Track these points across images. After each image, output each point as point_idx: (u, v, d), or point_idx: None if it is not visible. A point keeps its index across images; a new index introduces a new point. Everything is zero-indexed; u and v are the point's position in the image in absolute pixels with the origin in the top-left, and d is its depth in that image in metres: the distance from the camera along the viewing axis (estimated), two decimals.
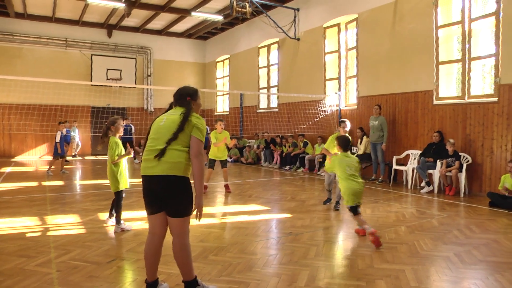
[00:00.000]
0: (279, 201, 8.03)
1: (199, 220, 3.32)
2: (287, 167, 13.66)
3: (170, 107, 3.63)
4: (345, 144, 5.71)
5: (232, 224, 6.09)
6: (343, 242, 5.21)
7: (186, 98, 3.51)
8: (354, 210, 5.26)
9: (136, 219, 6.33)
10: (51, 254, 4.56)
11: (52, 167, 12.37)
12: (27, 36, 17.43)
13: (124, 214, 6.16)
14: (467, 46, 9.05)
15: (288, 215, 6.67)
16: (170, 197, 3.27)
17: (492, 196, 7.58)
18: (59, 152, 12.12)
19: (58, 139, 12.20)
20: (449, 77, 9.81)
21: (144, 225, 5.93)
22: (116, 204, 5.70)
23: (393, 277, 3.89)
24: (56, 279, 3.82)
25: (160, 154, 3.25)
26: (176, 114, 3.42)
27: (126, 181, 5.75)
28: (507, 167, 7.82)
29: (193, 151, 3.29)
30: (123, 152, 5.68)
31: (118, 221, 5.68)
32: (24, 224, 5.98)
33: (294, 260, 4.41)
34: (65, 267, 4.13)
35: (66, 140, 15.37)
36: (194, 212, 3.33)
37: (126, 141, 14.02)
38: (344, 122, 7.41)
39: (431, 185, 9.08)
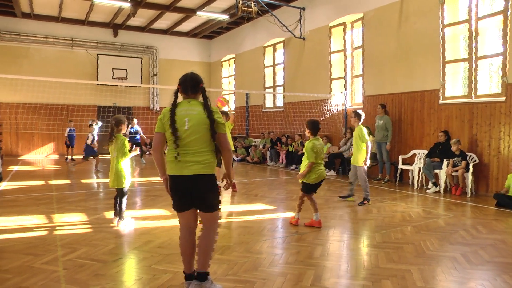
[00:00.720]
0: (284, 200, 8.03)
1: (226, 189, 3.68)
2: (293, 166, 13.64)
3: (177, 95, 3.57)
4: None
5: (238, 223, 6.10)
6: (349, 242, 5.20)
7: (199, 85, 3.51)
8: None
9: (142, 217, 6.35)
10: (58, 252, 4.59)
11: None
12: (33, 36, 17.54)
13: (132, 213, 6.19)
14: (473, 45, 8.99)
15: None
16: (204, 194, 3.44)
17: (498, 197, 7.53)
18: (91, 151, 12.48)
19: (89, 141, 12.39)
20: (455, 76, 9.76)
21: (149, 224, 5.95)
22: (121, 200, 5.79)
23: (399, 277, 3.87)
24: (63, 277, 3.84)
25: (194, 155, 3.38)
26: (196, 110, 3.41)
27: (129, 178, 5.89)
28: (510, 167, 7.79)
29: (223, 145, 3.46)
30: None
31: (121, 216, 5.79)
32: (31, 223, 6.02)
33: (300, 259, 4.40)
34: (71, 265, 4.16)
35: (71, 138, 15.48)
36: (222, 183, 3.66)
37: (133, 143, 14.15)
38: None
39: (438, 186, 9.04)
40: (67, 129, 15.69)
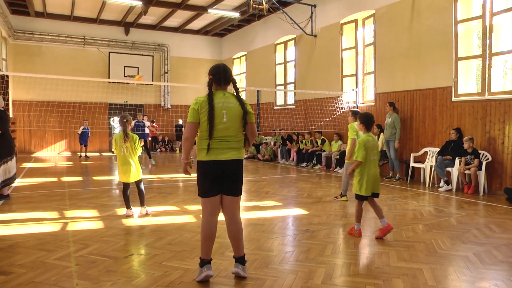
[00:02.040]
0: (295, 198, 8.01)
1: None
2: (304, 164, 13.62)
3: (215, 85, 3.67)
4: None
5: (249, 221, 6.10)
6: (360, 240, 5.17)
7: (231, 77, 3.73)
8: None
9: (154, 214, 6.38)
10: (70, 248, 4.64)
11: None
12: (46, 35, 17.73)
13: (137, 210, 6.23)
14: (487, 41, 8.87)
15: (305, 212, 6.65)
16: (236, 178, 3.71)
17: (508, 191, 7.43)
18: None
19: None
20: (468, 73, 9.64)
21: (160, 221, 5.98)
22: (142, 189, 6.33)
23: (410, 276, 3.84)
24: (75, 273, 3.88)
25: (230, 143, 3.62)
26: (232, 102, 3.62)
27: None
28: None
29: (253, 132, 3.77)
30: None
31: (143, 203, 6.36)
32: (44, 219, 6.09)
33: (310, 257, 4.39)
34: (83, 261, 4.20)
35: (84, 137, 15.63)
36: None
37: (140, 138, 14.10)
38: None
39: (450, 184, 8.95)
40: (81, 127, 15.85)
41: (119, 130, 6.31)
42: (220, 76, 3.63)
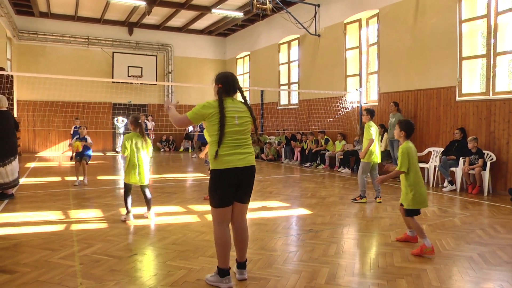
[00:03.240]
0: (299, 198, 8.01)
1: None
2: (308, 164, 13.61)
3: (225, 93, 3.61)
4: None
5: (252, 221, 6.10)
6: (364, 240, 5.16)
7: (238, 85, 3.74)
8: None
9: (157, 214, 6.39)
10: (74, 247, 4.65)
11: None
12: (50, 35, 17.80)
13: (146, 209, 6.24)
14: (492, 40, 8.83)
15: (309, 212, 6.64)
16: (250, 185, 3.68)
17: None
18: None
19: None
20: (472, 73, 9.60)
21: (164, 221, 5.98)
22: (148, 193, 6.10)
23: (414, 276, 3.83)
24: (79, 272, 3.89)
25: (245, 147, 3.59)
26: (242, 108, 3.64)
27: None
28: None
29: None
30: None
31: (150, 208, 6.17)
32: (48, 218, 6.12)
33: (314, 257, 4.39)
34: (87, 261, 4.21)
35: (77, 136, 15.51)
36: None
37: None
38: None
39: (454, 184, 8.91)
40: (73, 127, 15.85)
41: (123, 130, 6.31)
42: (229, 85, 3.63)
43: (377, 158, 7.45)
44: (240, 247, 3.73)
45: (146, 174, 5.97)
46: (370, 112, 7.55)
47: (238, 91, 3.72)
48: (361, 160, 7.52)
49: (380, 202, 7.53)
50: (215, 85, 3.65)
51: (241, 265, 3.76)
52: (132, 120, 5.98)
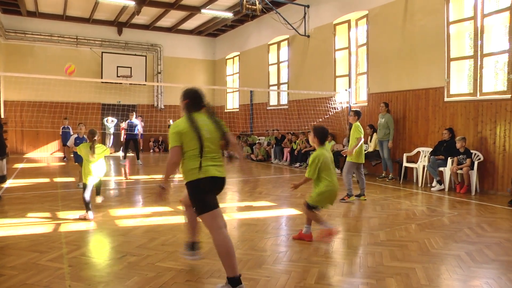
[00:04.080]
0: (289, 198, 8.02)
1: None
2: (297, 164, 13.64)
3: (192, 108, 3.66)
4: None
5: (242, 221, 6.10)
6: (353, 240, 5.20)
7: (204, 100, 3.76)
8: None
9: (146, 215, 6.37)
10: (62, 249, 4.61)
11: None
12: (38, 34, 17.60)
13: (136, 210, 6.21)
14: (479, 42, 8.93)
15: (298, 212, 6.66)
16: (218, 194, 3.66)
17: None
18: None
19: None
20: (460, 73, 9.71)
21: (153, 222, 5.96)
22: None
23: (403, 275, 3.86)
24: (68, 274, 3.86)
25: (217, 160, 3.60)
26: (209, 121, 3.63)
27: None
28: None
29: (233, 140, 3.78)
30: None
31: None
32: (36, 220, 6.05)
33: (304, 257, 4.40)
34: (76, 263, 4.18)
35: (65, 137, 15.34)
36: None
37: (130, 138, 14.04)
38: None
39: (442, 184, 9.01)
40: (61, 127, 15.73)
41: (113, 130, 6.41)
42: (197, 101, 3.68)
43: (360, 158, 7.69)
44: (229, 257, 3.43)
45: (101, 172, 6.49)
46: (357, 113, 7.80)
47: (205, 106, 3.72)
48: (347, 160, 7.69)
49: (365, 199, 7.75)
50: (182, 100, 3.70)
51: (237, 280, 3.37)
52: (88, 134, 6.49)
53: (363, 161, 7.82)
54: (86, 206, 6.10)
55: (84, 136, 9.08)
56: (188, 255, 4.15)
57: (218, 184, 3.59)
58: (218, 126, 3.65)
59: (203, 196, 3.50)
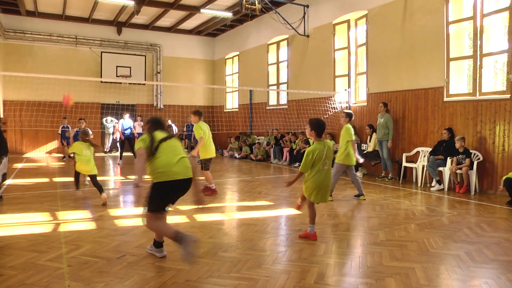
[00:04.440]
0: (288, 198, 8.02)
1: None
2: (297, 164, 13.63)
3: (154, 129, 4.49)
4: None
5: (241, 221, 6.11)
6: (352, 239, 5.20)
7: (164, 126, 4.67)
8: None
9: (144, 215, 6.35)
10: (62, 249, 4.61)
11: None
12: (38, 34, 17.58)
13: (135, 210, 6.20)
14: (478, 42, 8.94)
15: (297, 212, 6.65)
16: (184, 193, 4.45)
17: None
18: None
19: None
20: (459, 73, 9.71)
21: None
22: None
23: (402, 275, 3.87)
24: (67, 274, 3.86)
25: (182, 161, 4.32)
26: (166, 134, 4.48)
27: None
28: None
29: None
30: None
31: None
32: (35, 220, 6.05)
33: (303, 257, 4.40)
34: (76, 262, 4.18)
35: (64, 136, 15.35)
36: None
37: (125, 138, 14.12)
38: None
39: (442, 184, 9.01)
40: (61, 126, 15.72)
41: (112, 130, 6.68)
42: (157, 125, 4.53)
43: (352, 160, 7.55)
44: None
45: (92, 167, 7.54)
46: (349, 115, 7.76)
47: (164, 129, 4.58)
48: (335, 161, 7.55)
49: (364, 199, 7.72)
50: (146, 125, 4.60)
51: (159, 244, 4.47)
52: (82, 134, 7.77)
53: (354, 163, 7.62)
54: (76, 184, 7.93)
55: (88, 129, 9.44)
56: (156, 252, 4.48)
57: (185, 184, 4.35)
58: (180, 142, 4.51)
59: (170, 196, 4.41)
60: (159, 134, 4.37)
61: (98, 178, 7.55)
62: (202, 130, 7.97)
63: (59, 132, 15.78)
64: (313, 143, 5.16)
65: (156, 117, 4.76)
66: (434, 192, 8.73)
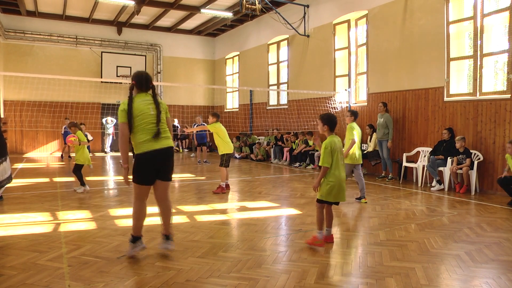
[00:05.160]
0: (288, 198, 8.02)
1: None
2: (297, 164, 13.64)
3: (132, 89, 4.33)
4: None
5: (242, 221, 6.10)
6: (353, 239, 5.19)
7: (151, 85, 4.43)
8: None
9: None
10: (62, 249, 4.61)
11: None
12: (38, 34, 17.60)
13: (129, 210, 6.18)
14: (479, 42, 8.94)
15: (298, 212, 6.66)
16: (171, 165, 4.50)
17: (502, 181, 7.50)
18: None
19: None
20: (460, 73, 9.71)
21: (152, 222, 5.95)
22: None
23: (403, 275, 3.86)
24: (67, 274, 3.86)
25: (165, 132, 4.36)
26: (151, 101, 4.32)
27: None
28: (507, 148, 7.60)
29: (168, 125, 4.51)
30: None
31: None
32: (35, 220, 6.05)
33: (303, 257, 4.40)
34: (76, 262, 4.17)
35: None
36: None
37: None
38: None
39: (442, 183, 9.00)
40: (63, 127, 15.77)
41: (112, 130, 6.72)
42: (142, 82, 4.32)
43: (357, 160, 7.52)
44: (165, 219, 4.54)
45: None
46: (354, 113, 7.74)
47: (151, 88, 4.38)
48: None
49: (365, 202, 7.57)
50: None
51: (167, 237, 4.49)
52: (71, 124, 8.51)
53: (361, 162, 7.68)
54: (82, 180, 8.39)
55: (87, 133, 9.90)
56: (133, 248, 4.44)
57: (163, 154, 4.30)
58: (156, 105, 4.28)
59: (148, 169, 4.29)
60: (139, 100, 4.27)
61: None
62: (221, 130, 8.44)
63: (62, 132, 15.81)
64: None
65: (141, 72, 4.46)
66: (434, 192, 8.73)
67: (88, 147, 9.67)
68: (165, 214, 4.54)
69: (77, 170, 8.31)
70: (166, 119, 4.43)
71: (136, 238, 4.39)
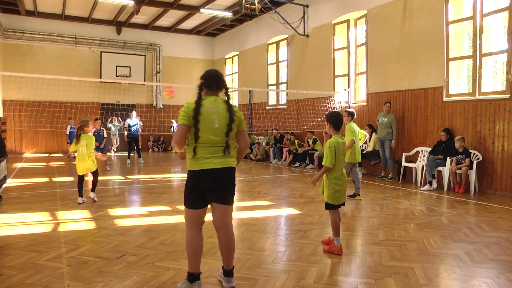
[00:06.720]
0: (288, 197, 8.02)
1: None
2: (296, 164, 13.64)
3: (201, 89, 3.51)
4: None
5: (241, 221, 6.10)
6: (352, 239, 5.20)
7: (223, 84, 3.58)
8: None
9: (146, 214, 6.36)
10: (61, 249, 4.61)
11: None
12: (37, 34, 17.59)
13: (135, 210, 6.20)
14: (478, 42, 8.94)
15: (297, 212, 6.66)
16: (227, 186, 3.53)
17: None
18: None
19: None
20: (459, 73, 9.71)
21: (152, 221, 5.96)
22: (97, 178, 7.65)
23: (402, 275, 3.87)
24: (66, 274, 3.86)
25: (220, 146, 3.43)
26: (223, 109, 3.43)
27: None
28: None
29: (243, 140, 3.62)
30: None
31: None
32: (35, 220, 6.05)
33: (303, 257, 4.40)
34: (75, 262, 4.17)
35: (72, 136, 15.39)
36: None
37: (131, 138, 14.22)
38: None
39: (433, 184, 8.96)
40: (68, 126, 15.75)
41: (117, 132, 6.60)
42: (212, 80, 3.49)
43: (356, 158, 7.62)
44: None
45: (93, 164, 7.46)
46: (351, 113, 7.83)
47: (223, 88, 3.57)
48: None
49: (360, 199, 7.71)
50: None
51: (228, 272, 3.56)
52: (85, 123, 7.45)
53: (359, 160, 7.77)
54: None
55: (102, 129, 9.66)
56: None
57: (215, 176, 3.40)
58: (230, 113, 3.42)
59: (198, 189, 3.45)
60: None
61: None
62: None
63: (68, 132, 15.79)
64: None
65: (212, 71, 3.59)
66: (433, 192, 8.72)
67: (98, 148, 9.59)
68: (223, 244, 3.56)
69: (79, 182, 7.44)
70: (238, 132, 3.54)
71: (193, 277, 3.44)
